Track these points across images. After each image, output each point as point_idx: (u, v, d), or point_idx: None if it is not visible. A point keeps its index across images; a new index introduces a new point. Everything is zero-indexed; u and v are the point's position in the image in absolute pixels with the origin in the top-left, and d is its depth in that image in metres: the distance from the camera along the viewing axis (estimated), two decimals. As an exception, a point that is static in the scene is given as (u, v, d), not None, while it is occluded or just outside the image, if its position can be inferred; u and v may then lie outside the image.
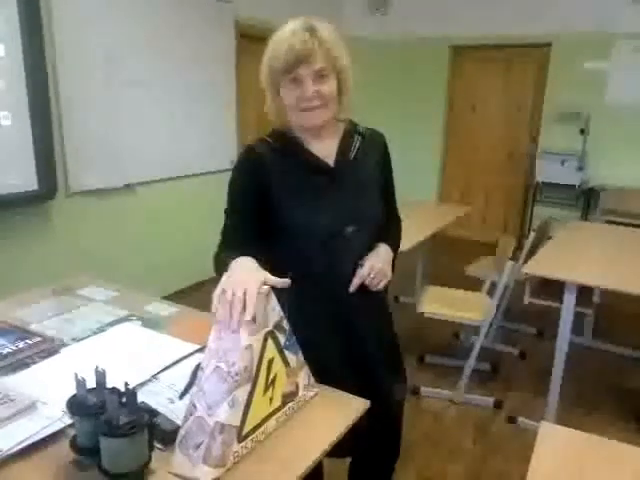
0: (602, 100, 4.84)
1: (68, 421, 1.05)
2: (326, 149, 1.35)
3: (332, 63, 1.24)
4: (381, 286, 1.36)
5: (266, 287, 1.03)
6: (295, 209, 1.29)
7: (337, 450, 1.10)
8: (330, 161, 1.34)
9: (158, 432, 1.02)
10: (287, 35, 1.22)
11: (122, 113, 3.46)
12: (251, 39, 4.25)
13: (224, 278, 1.04)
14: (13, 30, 2.73)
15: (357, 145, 1.38)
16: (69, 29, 3.07)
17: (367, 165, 1.39)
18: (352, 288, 1.33)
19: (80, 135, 3.22)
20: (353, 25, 5.13)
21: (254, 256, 1.14)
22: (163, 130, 3.79)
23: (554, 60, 5.01)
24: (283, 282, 1.06)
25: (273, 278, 1.05)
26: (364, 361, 1.41)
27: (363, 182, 1.37)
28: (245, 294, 0.98)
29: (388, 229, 1.47)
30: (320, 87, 1.23)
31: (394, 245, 1.46)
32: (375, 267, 1.32)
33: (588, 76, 4.86)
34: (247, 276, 1.02)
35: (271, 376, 1.06)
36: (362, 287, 1.34)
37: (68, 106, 3.13)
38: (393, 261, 1.43)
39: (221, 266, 1.13)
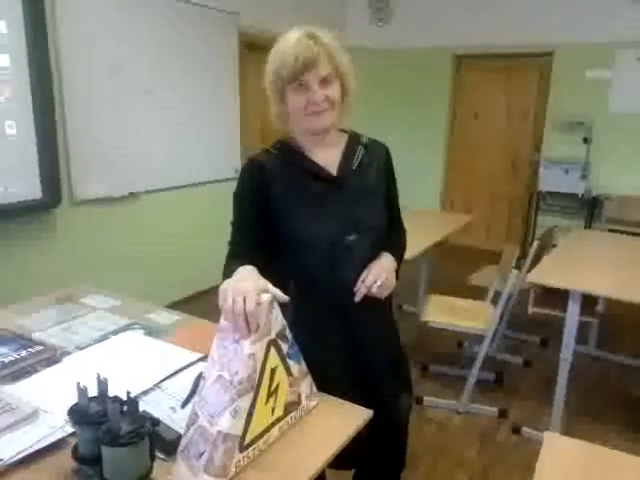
0: (605, 109, 4.84)
1: (70, 430, 1.05)
2: (329, 158, 1.35)
3: (335, 68, 1.27)
4: (384, 295, 1.35)
5: (268, 295, 1.03)
6: (297, 217, 1.30)
7: (340, 462, 1.09)
8: (333, 170, 1.34)
9: (160, 441, 1.02)
10: (292, 43, 1.23)
11: (126, 122, 3.48)
12: (254, 48, 4.28)
13: (223, 285, 1.04)
14: (18, 40, 2.76)
15: (360, 155, 1.39)
16: (74, 38, 3.09)
17: (370, 175, 1.39)
18: (357, 298, 1.32)
19: (84, 144, 3.24)
20: (356, 35, 5.16)
21: (259, 266, 1.14)
22: (167, 139, 3.80)
23: (556, 69, 5.02)
24: (282, 297, 1.05)
25: (273, 288, 1.05)
26: (367, 370, 1.40)
27: (365, 191, 1.37)
28: (245, 302, 0.97)
29: (392, 239, 1.46)
30: (326, 92, 1.26)
31: (397, 255, 1.46)
32: (381, 276, 1.32)
33: (591, 85, 4.87)
34: (246, 284, 1.02)
35: (273, 385, 1.05)
36: (365, 297, 1.33)
37: (73, 115, 3.15)
38: (397, 271, 1.43)
39: (226, 277, 1.13)
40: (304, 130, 1.33)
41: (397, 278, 1.42)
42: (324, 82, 1.25)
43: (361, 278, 1.32)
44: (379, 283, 1.31)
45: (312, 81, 1.24)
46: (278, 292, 1.05)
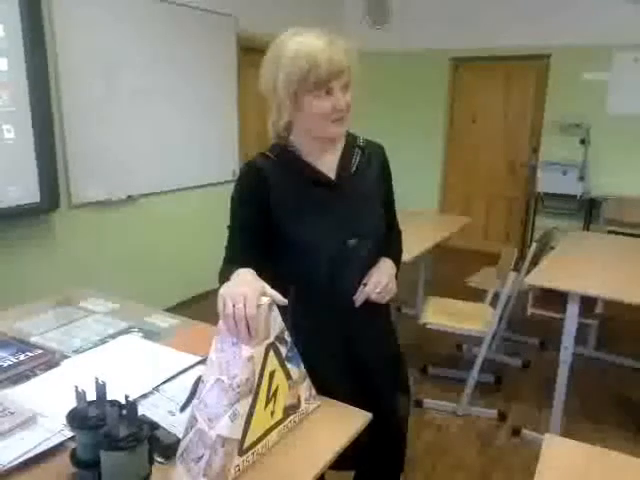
0: (603, 110, 4.85)
1: (68, 434, 1.05)
2: (327, 163, 1.34)
3: (352, 76, 1.25)
4: (385, 300, 1.35)
5: (267, 298, 1.03)
6: (297, 223, 1.29)
7: (340, 463, 1.09)
8: (331, 174, 1.34)
9: (159, 445, 1.02)
10: (321, 47, 1.19)
11: (124, 125, 3.48)
12: (252, 51, 4.28)
13: (222, 289, 1.04)
14: (16, 43, 2.75)
15: (357, 158, 1.38)
16: (72, 42, 3.09)
17: (368, 178, 1.39)
18: (357, 304, 1.32)
19: (82, 147, 3.24)
20: (353, 38, 5.16)
21: (257, 270, 1.13)
22: (165, 142, 3.80)
23: (554, 71, 5.03)
24: (281, 300, 1.05)
25: (272, 291, 1.05)
26: (365, 374, 1.40)
27: (365, 195, 1.37)
28: (245, 306, 0.97)
29: (390, 242, 1.46)
30: (346, 98, 1.24)
31: (396, 258, 1.46)
32: (381, 283, 1.32)
33: (588, 87, 4.87)
34: (246, 287, 1.02)
35: (273, 388, 1.05)
36: (365, 301, 1.33)
37: (71, 118, 3.15)
38: (396, 274, 1.43)
39: (223, 281, 1.12)
40: (319, 136, 1.29)
41: (396, 278, 1.42)
42: (345, 88, 1.24)
43: (361, 284, 1.32)
44: (379, 290, 1.31)
45: (337, 87, 1.22)
46: (277, 295, 1.05)
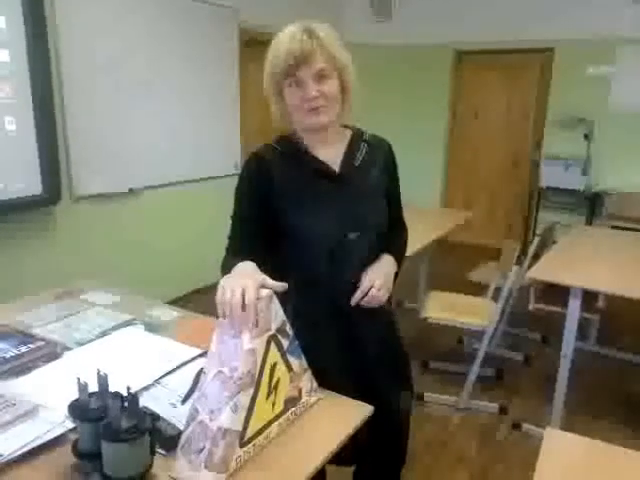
0: (606, 105, 4.82)
1: (70, 425, 1.05)
2: (332, 155, 1.34)
3: (332, 63, 1.24)
4: (382, 300, 1.34)
5: (268, 290, 1.03)
6: (297, 213, 1.29)
7: (341, 458, 1.09)
8: (336, 167, 1.33)
9: (160, 437, 1.02)
10: (286, 39, 1.22)
11: (126, 118, 3.48)
12: (254, 44, 4.27)
13: (222, 282, 1.04)
14: (18, 36, 2.75)
15: (363, 152, 1.38)
16: (74, 34, 3.08)
17: (372, 172, 1.38)
18: (353, 302, 1.32)
19: (84, 140, 3.23)
20: (356, 31, 5.14)
21: (258, 261, 1.14)
22: (167, 135, 3.80)
23: (557, 65, 5.01)
24: (281, 286, 1.05)
25: (272, 282, 1.05)
26: (366, 369, 1.40)
27: (368, 189, 1.36)
28: (244, 296, 0.97)
29: (393, 238, 1.45)
30: (322, 87, 1.23)
31: (398, 255, 1.44)
32: (377, 283, 1.31)
33: (592, 81, 4.85)
34: (245, 278, 1.02)
35: (274, 381, 1.05)
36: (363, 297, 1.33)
37: (73, 111, 3.14)
38: (397, 272, 1.42)
39: (225, 273, 1.12)
40: (304, 127, 1.32)
41: (397, 277, 1.42)
42: (319, 77, 1.22)
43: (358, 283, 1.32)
44: (367, 299, 1.30)
45: (306, 77, 1.22)
46: (276, 284, 1.05)
